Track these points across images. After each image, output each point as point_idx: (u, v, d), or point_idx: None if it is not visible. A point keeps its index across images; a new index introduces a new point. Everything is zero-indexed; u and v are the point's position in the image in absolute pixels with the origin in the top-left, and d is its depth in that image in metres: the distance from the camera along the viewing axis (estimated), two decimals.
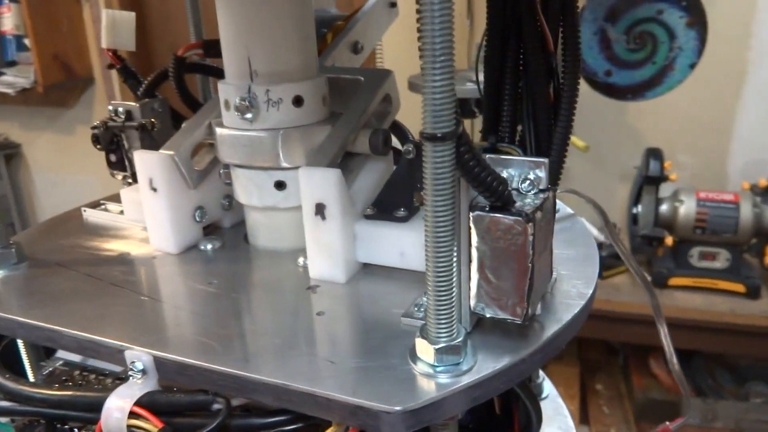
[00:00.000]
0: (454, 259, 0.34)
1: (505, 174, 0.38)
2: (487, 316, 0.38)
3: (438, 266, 0.34)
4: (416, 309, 0.41)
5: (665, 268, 1.66)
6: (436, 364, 0.35)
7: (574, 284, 0.45)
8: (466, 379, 0.35)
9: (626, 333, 1.68)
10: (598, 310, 1.66)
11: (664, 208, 1.66)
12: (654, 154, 1.67)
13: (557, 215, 0.58)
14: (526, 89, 0.52)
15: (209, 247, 0.53)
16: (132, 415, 0.37)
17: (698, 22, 1.53)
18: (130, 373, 0.39)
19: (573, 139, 1.66)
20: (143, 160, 0.50)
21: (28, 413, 0.41)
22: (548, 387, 0.67)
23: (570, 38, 0.49)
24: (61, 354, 0.55)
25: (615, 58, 1.70)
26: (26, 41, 2.09)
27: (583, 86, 1.68)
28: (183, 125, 0.54)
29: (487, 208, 0.35)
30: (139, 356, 0.39)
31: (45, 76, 2.04)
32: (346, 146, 0.49)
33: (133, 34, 0.64)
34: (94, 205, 0.63)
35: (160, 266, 0.51)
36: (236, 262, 0.51)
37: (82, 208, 0.63)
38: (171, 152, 0.50)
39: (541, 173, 0.37)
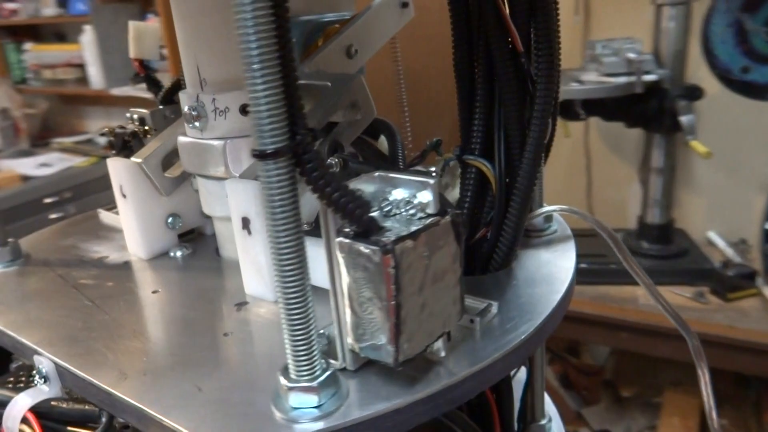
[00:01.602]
0: (307, 288, 0.31)
1: (397, 195, 0.33)
2: (362, 356, 0.33)
3: (287, 297, 0.30)
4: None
5: None
6: (291, 405, 0.32)
7: (514, 321, 0.39)
8: (317, 426, 0.31)
9: (759, 364, 1.47)
10: (722, 338, 1.47)
11: None
12: None
13: (553, 236, 0.51)
14: (498, 96, 0.46)
15: (179, 254, 0.54)
16: (25, 419, 0.38)
17: None
18: (35, 378, 0.40)
19: (693, 143, 1.48)
20: (113, 167, 0.52)
21: None
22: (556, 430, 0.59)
23: (542, 35, 0.43)
24: None
25: (753, 52, 1.50)
26: (164, 51, 2.31)
27: (716, 85, 1.49)
28: (160, 134, 0.55)
29: (351, 234, 0.31)
30: (43, 362, 0.40)
31: None
32: None
33: (158, 44, 0.66)
34: (112, 207, 0.67)
35: (123, 271, 0.52)
36: (193, 270, 0.51)
37: (98, 210, 0.66)
38: (139, 160, 0.51)
39: (429, 195, 0.32)
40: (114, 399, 0.35)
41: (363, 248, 0.30)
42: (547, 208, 0.51)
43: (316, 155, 0.30)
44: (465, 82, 0.47)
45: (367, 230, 0.31)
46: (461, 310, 0.35)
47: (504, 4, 0.43)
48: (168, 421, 0.32)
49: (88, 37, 2.46)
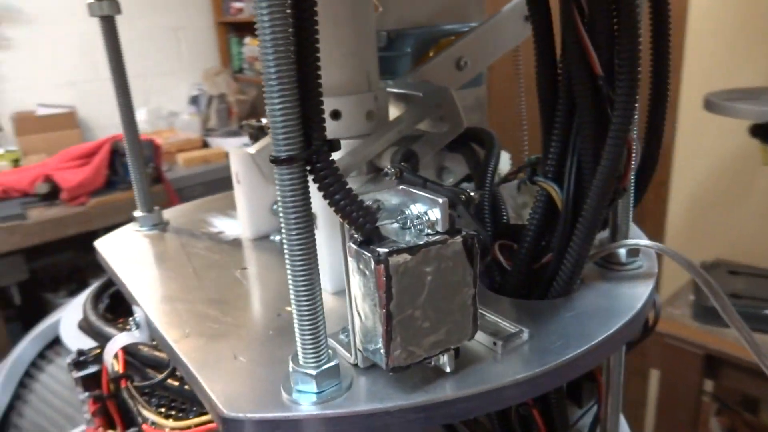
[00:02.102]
0: (316, 284, 0.34)
1: (414, 209, 0.35)
2: (365, 355, 0.36)
3: (297, 291, 0.34)
4: (341, 332, 0.41)
5: None
6: (295, 388, 0.35)
7: (544, 351, 0.38)
8: (310, 410, 0.34)
9: None
10: None
11: None
12: None
13: (636, 271, 0.48)
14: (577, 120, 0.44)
15: (278, 238, 0.60)
16: (117, 356, 0.46)
17: None
18: (131, 324, 0.48)
19: (761, 148, 1.21)
20: (233, 156, 0.60)
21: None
22: None
23: (624, 57, 0.40)
24: None
25: None
26: None
27: None
28: None
29: (358, 241, 0.33)
30: (138, 312, 0.48)
31: None
32: (364, 161, 0.49)
33: None
34: None
35: (230, 247, 0.59)
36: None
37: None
38: (252, 151, 0.58)
39: (438, 214, 0.33)
40: (172, 352, 0.42)
41: (363, 255, 0.32)
42: (628, 241, 0.48)
43: (329, 164, 0.33)
44: (547, 103, 0.46)
45: (369, 239, 0.33)
46: (473, 329, 0.36)
47: (582, 24, 0.41)
48: (197, 376, 0.38)
49: None
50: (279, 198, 0.33)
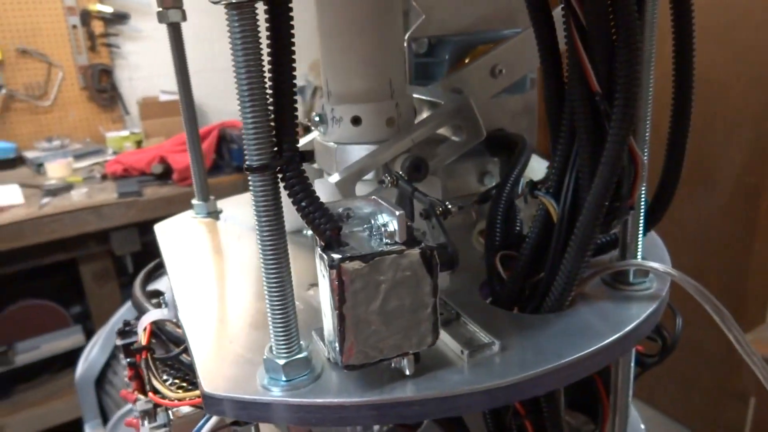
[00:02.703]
0: (286, 282, 0.37)
1: (381, 219, 0.37)
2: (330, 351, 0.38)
3: (270, 287, 0.37)
4: None
5: None
6: (267, 375, 0.39)
7: (512, 364, 0.38)
8: (274, 397, 0.37)
9: None
10: None
11: None
12: None
13: (642, 293, 0.47)
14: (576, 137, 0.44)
15: (309, 233, 0.63)
16: (145, 329, 0.52)
17: None
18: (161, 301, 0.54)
19: None
20: None
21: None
22: None
23: (621, 73, 0.39)
24: None
25: None
26: None
27: None
28: None
29: (321, 245, 0.36)
30: (168, 291, 0.53)
31: None
32: (377, 165, 0.51)
33: None
34: None
35: None
36: (306, 250, 0.60)
37: None
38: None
39: (395, 225, 0.35)
40: (185, 330, 0.47)
41: (323, 259, 0.35)
42: (632, 261, 0.46)
43: (299, 173, 0.36)
44: (553, 118, 0.46)
45: (328, 244, 0.35)
46: (433, 337, 0.37)
47: (581, 38, 0.40)
48: (192, 351, 0.42)
49: None
50: (253, 203, 0.36)
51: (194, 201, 0.71)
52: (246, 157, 0.35)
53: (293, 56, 0.35)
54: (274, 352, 0.38)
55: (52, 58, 2.17)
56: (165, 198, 1.97)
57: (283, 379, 0.38)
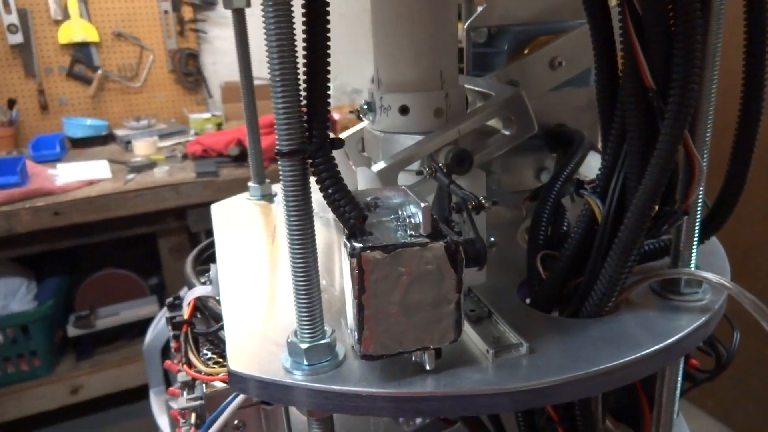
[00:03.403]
0: (312, 266, 0.37)
1: (407, 211, 0.36)
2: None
3: (296, 273, 0.37)
4: None
5: None
6: (290, 358, 0.39)
7: (539, 368, 0.37)
8: (296, 380, 0.38)
9: None
10: None
11: None
12: None
13: (694, 304, 0.44)
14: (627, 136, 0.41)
15: None
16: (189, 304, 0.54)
17: None
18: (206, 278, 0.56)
19: None
20: None
21: None
22: None
23: (678, 68, 0.37)
24: None
25: None
26: None
27: None
28: None
29: (346, 233, 0.36)
30: (213, 269, 0.55)
31: None
32: (422, 156, 0.51)
33: None
34: None
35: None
36: None
37: None
38: (342, 137, 0.62)
39: (420, 218, 0.34)
40: (223, 309, 0.48)
41: (346, 246, 0.35)
42: (684, 270, 0.43)
43: (328, 159, 0.36)
44: (606, 115, 0.43)
45: (352, 232, 0.35)
46: (456, 333, 0.36)
47: (636, 30, 0.38)
48: (226, 327, 0.44)
49: None
50: (282, 187, 0.36)
51: (250, 183, 0.73)
52: (277, 142, 0.35)
53: (328, 43, 0.35)
54: (298, 337, 0.39)
55: (144, 41, 2.28)
56: (239, 179, 2.04)
57: (305, 363, 0.38)
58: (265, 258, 0.57)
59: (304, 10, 0.35)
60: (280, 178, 0.36)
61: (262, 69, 0.67)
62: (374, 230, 0.36)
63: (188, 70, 2.38)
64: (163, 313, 1.37)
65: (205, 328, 0.52)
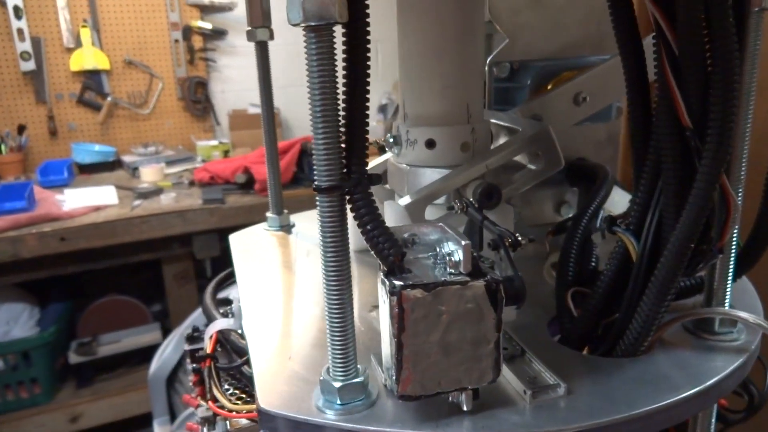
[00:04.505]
0: (347, 304, 0.37)
1: (446, 248, 0.36)
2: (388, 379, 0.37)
3: (330, 309, 0.37)
4: None
5: None
6: (322, 396, 0.38)
7: (577, 410, 0.36)
8: (327, 419, 0.37)
9: None
10: None
11: None
12: None
13: (729, 344, 0.43)
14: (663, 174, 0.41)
15: None
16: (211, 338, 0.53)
17: None
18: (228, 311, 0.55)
19: None
20: None
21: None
22: None
23: (715, 108, 0.37)
24: None
25: None
26: None
27: None
28: None
29: (384, 270, 0.35)
30: (235, 302, 0.54)
31: None
32: (449, 190, 0.50)
33: None
34: None
35: None
36: (371, 267, 0.60)
37: None
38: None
39: (460, 255, 0.34)
40: (247, 342, 0.47)
41: (384, 284, 0.34)
42: (718, 309, 0.43)
43: (366, 195, 0.35)
44: (638, 151, 0.43)
45: (391, 269, 0.34)
46: (494, 373, 0.36)
47: (672, 69, 0.38)
48: (252, 364, 0.43)
49: None
50: (319, 222, 0.36)
51: (268, 214, 0.73)
52: (315, 178, 0.35)
53: (368, 80, 0.35)
54: (331, 374, 0.38)
55: (155, 69, 2.30)
56: (246, 207, 2.04)
57: (338, 402, 0.37)
58: (288, 291, 0.56)
59: (345, 47, 0.35)
60: (318, 214, 0.36)
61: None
62: (412, 267, 0.35)
63: (197, 98, 2.40)
64: (168, 342, 1.36)
65: (227, 362, 0.51)
